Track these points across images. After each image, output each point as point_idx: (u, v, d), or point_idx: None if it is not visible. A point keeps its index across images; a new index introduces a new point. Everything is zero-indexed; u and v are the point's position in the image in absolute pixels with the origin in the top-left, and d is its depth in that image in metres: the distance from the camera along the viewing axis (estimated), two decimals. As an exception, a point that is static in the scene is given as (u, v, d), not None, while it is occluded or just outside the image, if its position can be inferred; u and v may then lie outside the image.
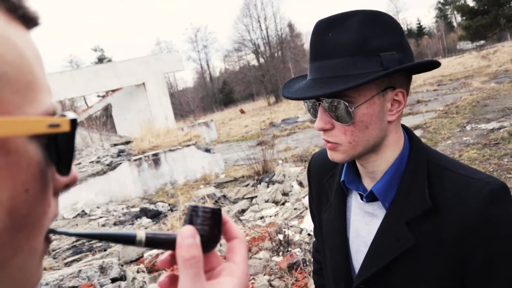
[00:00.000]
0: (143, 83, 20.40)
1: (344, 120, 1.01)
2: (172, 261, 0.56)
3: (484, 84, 19.99)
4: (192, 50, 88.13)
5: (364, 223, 1.18)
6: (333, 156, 1.09)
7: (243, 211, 7.47)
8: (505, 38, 61.33)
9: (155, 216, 8.53)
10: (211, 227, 0.54)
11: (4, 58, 0.36)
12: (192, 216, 0.54)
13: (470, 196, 0.99)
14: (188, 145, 12.91)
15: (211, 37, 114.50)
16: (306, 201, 6.39)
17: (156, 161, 12.13)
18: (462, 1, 42.71)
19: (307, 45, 72.10)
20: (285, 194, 7.74)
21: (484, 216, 0.96)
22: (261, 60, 66.49)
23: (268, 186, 8.65)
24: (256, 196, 8.08)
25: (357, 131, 1.02)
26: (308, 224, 5.38)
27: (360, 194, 1.19)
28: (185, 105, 52.01)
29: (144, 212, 8.78)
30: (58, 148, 0.41)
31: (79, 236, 0.51)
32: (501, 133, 9.31)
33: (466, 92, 18.51)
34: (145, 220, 8.22)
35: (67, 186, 0.46)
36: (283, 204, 7.22)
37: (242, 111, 46.32)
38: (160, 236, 0.53)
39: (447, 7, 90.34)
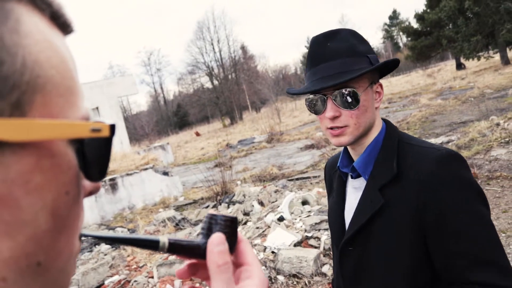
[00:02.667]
0: (97, 108, 20.03)
1: (352, 106, 1.30)
2: (190, 271, 0.58)
3: (431, 100, 20.84)
4: (145, 74, 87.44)
5: (354, 198, 1.43)
6: (340, 140, 1.34)
7: (204, 232, 7.41)
8: (447, 57, 64.39)
9: (114, 242, 8.31)
10: (230, 234, 0.55)
11: (50, 62, 0.37)
12: (211, 224, 0.56)
13: (425, 160, 1.25)
14: (146, 169, 12.72)
15: (165, 60, 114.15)
16: (267, 219, 6.42)
17: (113, 186, 11.86)
18: (407, 23, 44.60)
19: (260, 67, 73.08)
20: (246, 213, 7.74)
21: (434, 174, 1.21)
22: (215, 82, 66.79)
23: (228, 207, 8.62)
24: (217, 217, 8.03)
25: (360, 114, 1.31)
26: (271, 242, 5.41)
27: (350, 174, 1.46)
28: (140, 129, 51.25)
29: (102, 239, 8.53)
30: (93, 153, 0.42)
31: (106, 239, 0.52)
32: (450, 146, 9.73)
33: (416, 109, 19.24)
34: (104, 247, 7.99)
35: (90, 193, 0.46)
36: (245, 223, 7.21)
37: (197, 134, 46.11)
38: (182, 242, 0.54)
39: (393, 28, 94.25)
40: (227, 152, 20.36)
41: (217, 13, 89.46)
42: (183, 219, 8.70)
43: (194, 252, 0.54)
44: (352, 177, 1.45)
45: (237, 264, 0.58)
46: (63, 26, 0.43)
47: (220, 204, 9.07)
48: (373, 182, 1.33)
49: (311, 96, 1.36)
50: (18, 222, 0.35)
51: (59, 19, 0.42)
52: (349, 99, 1.29)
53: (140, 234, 0.63)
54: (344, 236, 1.42)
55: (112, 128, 0.43)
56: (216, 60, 66.57)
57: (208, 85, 69.26)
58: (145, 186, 12.38)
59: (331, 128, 1.34)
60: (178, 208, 10.89)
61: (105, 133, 0.42)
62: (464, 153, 8.80)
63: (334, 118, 1.32)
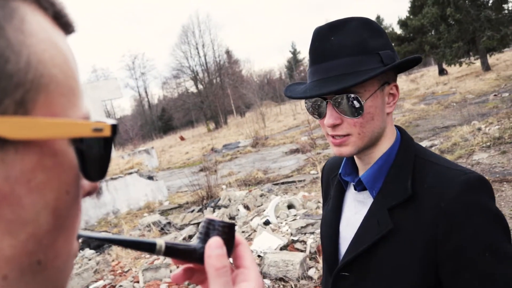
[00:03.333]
0: (80, 111, 19.85)
1: (354, 113, 1.11)
2: (185, 275, 0.59)
3: (415, 106, 21.08)
4: (129, 78, 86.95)
5: (354, 212, 1.26)
6: (342, 150, 1.16)
7: (190, 237, 7.38)
8: (429, 63, 65.21)
9: (99, 247, 8.23)
10: (227, 240, 0.56)
11: (54, 61, 0.38)
12: (208, 229, 0.56)
13: (447, 183, 1.06)
14: (130, 173, 12.62)
15: (149, 64, 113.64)
16: (253, 223, 6.43)
17: (97, 190, 11.75)
18: (390, 29, 45.14)
19: (245, 72, 73.16)
20: (231, 218, 7.74)
21: (458, 202, 1.02)
22: (200, 86, 66.71)
23: (214, 211, 8.60)
24: (202, 222, 8.02)
25: (365, 123, 1.12)
26: (257, 245, 5.41)
27: (354, 186, 1.27)
28: (124, 133, 50.84)
29: (86, 244, 8.44)
30: (94, 153, 0.42)
31: (102, 240, 0.52)
32: (433, 150, 9.84)
33: (399, 114, 19.43)
34: (88, 252, 7.90)
35: (89, 193, 0.46)
36: (231, 228, 7.21)
37: (182, 138, 45.91)
38: (179, 246, 0.55)
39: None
40: (212, 157, 20.33)
41: (201, 17, 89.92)
42: (168, 223, 8.66)
43: (191, 256, 0.55)
44: (355, 189, 1.27)
45: (235, 267, 0.58)
46: (65, 25, 0.44)
47: (206, 209, 9.06)
48: (382, 201, 1.15)
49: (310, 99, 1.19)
50: (20, 221, 0.35)
51: (61, 18, 0.43)
52: (352, 106, 1.10)
53: (137, 237, 0.63)
54: (336, 255, 1.28)
55: (114, 127, 0.43)
56: (201, 65, 66.55)
57: (193, 89, 69.19)
58: (130, 190, 12.28)
59: (333, 136, 1.17)
60: (163, 212, 10.83)
61: (107, 132, 0.42)
62: (447, 157, 8.90)
63: (334, 126, 1.15)
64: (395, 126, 1.25)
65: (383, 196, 1.15)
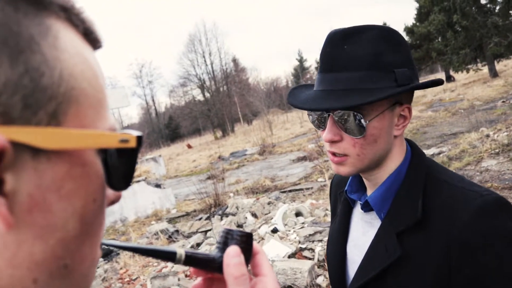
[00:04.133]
0: (88, 120, 19.95)
1: (355, 132, 1.02)
2: (205, 285, 0.60)
3: (422, 112, 21.01)
4: (137, 86, 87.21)
5: (362, 233, 1.19)
6: (340, 169, 1.09)
7: (198, 244, 7.38)
8: (436, 70, 65.02)
9: (107, 254, 8.25)
10: (245, 249, 0.57)
11: (84, 75, 0.40)
12: (227, 239, 0.57)
13: (461, 207, 0.96)
14: (138, 181, 12.65)
15: (156, 73, 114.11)
16: (261, 231, 6.42)
17: (105, 198, 11.78)
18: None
19: (251, 79, 73.27)
20: (239, 226, 7.72)
21: (473, 229, 0.93)
22: (207, 94, 66.75)
23: (222, 219, 8.59)
24: (210, 229, 8.01)
25: (366, 144, 1.03)
26: (265, 253, 5.40)
27: (361, 206, 1.19)
28: (131, 141, 50.95)
29: (94, 252, 8.47)
30: (119, 163, 0.44)
31: (124, 248, 0.54)
32: (441, 157, 9.82)
33: (406, 121, 19.35)
34: (96, 260, 7.94)
35: (112, 202, 0.48)
36: (238, 235, 7.20)
37: (189, 146, 45.98)
38: (199, 255, 0.56)
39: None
40: (219, 164, 20.32)
41: (208, 26, 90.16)
42: (176, 231, 8.67)
43: (210, 265, 0.56)
44: (364, 211, 1.18)
45: (253, 276, 0.60)
46: (94, 41, 0.46)
47: (213, 216, 9.05)
48: (390, 225, 1.06)
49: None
50: (50, 226, 0.37)
51: (90, 35, 0.45)
52: (355, 124, 1.01)
53: (158, 246, 0.65)
54: (343, 277, 1.22)
55: (139, 139, 0.45)
56: (208, 73, 66.65)
57: (200, 97, 69.26)
58: (137, 198, 12.31)
59: (332, 153, 1.09)
60: (171, 220, 10.84)
61: (132, 143, 0.44)
62: (456, 164, 8.89)
63: (333, 142, 1.06)
64: (406, 139, 1.16)
65: (391, 220, 1.06)
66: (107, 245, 0.52)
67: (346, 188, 1.24)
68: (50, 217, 0.37)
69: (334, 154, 1.08)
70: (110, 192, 0.46)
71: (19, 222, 0.35)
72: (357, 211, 1.23)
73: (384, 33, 1.03)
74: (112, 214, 11.79)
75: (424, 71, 47.05)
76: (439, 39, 34.56)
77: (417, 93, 36.08)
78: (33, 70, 0.35)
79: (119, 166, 0.44)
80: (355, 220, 1.24)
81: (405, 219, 1.03)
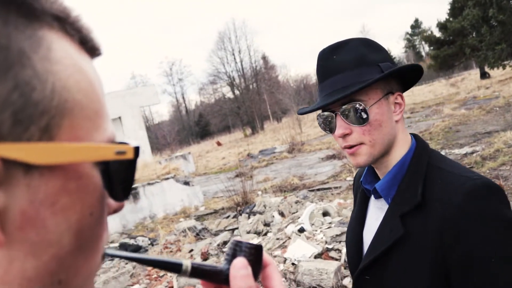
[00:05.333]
0: (119, 117, 20.31)
1: (361, 121, 1.18)
2: None
3: (455, 110, 20.53)
4: (167, 84, 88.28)
5: (375, 219, 1.31)
6: (357, 160, 1.23)
7: (225, 243, 7.41)
8: (471, 66, 63.50)
9: (135, 251, 8.38)
10: (253, 262, 0.56)
11: (78, 86, 0.39)
12: (235, 251, 0.56)
13: (453, 190, 1.08)
14: (167, 178, 12.81)
15: (186, 71, 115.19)
16: (288, 230, 6.39)
17: (134, 195, 11.97)
18: (429, 32, 44.19)
19: (281, 77, 73.20)
20: (266, 224, 7.72)
21: (463, 210, 1.04)
22: (237, 92, 67.14)
23: (249, 217, 8.61)
24: (237, 228, 8.04)
25: (373, 130, 1.19)
26: (292, 253, 5.37)
27: (372, 193, 1.33)
28: (162, 138, 51.77)
29: (123, 247, 8.61)
30: (117, 175, 0.43)
31: (129, 259, 0.53)
32: (474, 157, 9.55)
33: (438, 119, 18.97)
34: (125, 256, 8.06)
35: (115, 211, 0.47)
36: (265, 234, 7.19)
37: (218, 143, 46.32)
38: (205, 267, 0.55)
39: (415, 37, 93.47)
40: (248, 162, 20.40)
41: (238, 24, 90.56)
42: (204, 229, 8.72)
43: (217, 277, 0.55)
44: (374, 197, 1.34)
45: None
46: (91, 50, 0.45)
47: (241, 215, 9.07)
48: (395, 208, 1.19)
49: (321, 113, 1.27)
50: (44, 242, 0.36)
51: (87, 43, 0.44)
52: (359, 115, 1.18)
53: (164, 257, 0.66)
54: (359, 260, 1.32)
55: (136, 150, 0.44)
56: (238, 70, 67.00)
57: (230, 95, 69.72)
58: (166, 195, 12.46)
59: (347, 147, 1.23)
60: (199, 218, 10.93)
61: (130, 155, 0.43)
62: (490, 164, 8.64)
63: (345, 136, 1.21)
64: (411, 134, 1.31)
65: (396, 204, 1.20)
66: (111, 255, 0.52)
67: (361, 179, 1.38)
68: (43, 233, 0.36)
69: (349, 147, 1.22)
70: (112, 202, 0.45)
71: (11, 239, 0.35)
72: (372, 200, 1.37)
73: (363, 40, 1.26)
74: (141, 211, 11.97)
75: (458, 68, 45.89)
76: (474, 35, 33.63)
77: (450, 90, 35.38)
78: (23, 85, 0.34)
79: (118, 177, 0.43)
80: (371, 208, 1.38)
81: (407, 202, 1.16)
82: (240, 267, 0.54)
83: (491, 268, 1.01)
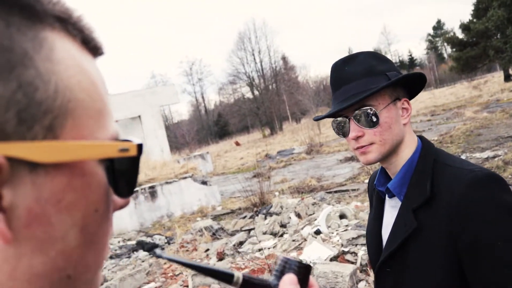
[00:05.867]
0: (139, 116, 20.48)
1: (372, 124, 1.31)
2: None
3: (477, 113, 20.21)
4: (187, 83, 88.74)
5: (390, 217, 1.41)
6: (367, 157, 1.35)
7: (241, 243, 7.42)
8: (494, 68, 62.37)
9: (152, 249, 8.44)
10: (301, 280, 0.57)
11: (81, 86, 0.40)
12: (284, 268, 0.58)
13: (457, 182, 1.20)
14: (185, 178, 12.88)
15: (206, 70, 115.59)
16: (304, 232, 6.36)
17: (152, 193, 12.07)
18: (452, 33, 43.55)
19: (301, 78, 72.99)
20: (283, 225, 7.70)
21: (466, 198, 1.16)
22: (256, 92, 67.18)
23: (265, 218, 8.60)
24: (253, 228, 8.03)
25: (384, 131, 1.31)
26: (307, 255, 5.34)
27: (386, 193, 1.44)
28: (181, 137, 52.06)
29: (140, 245, 8.68)
30: (122, 171, 0.44)
31: (184, 264, 0.55)
32: (495, 161, 9.37)
33: (460, 122, 18.70)
34: (142, 253, 8.13)
35: (120, 207, 0.48)
36: (281, 235, 7.18)
37: (237, 143, 46.40)
38: (255, 280, 0.56)
39: (437, 39, 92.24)
40: (266, 163, 20.38)
41: (258, 24, 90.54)
42: (220, 228, 8.75)
43: None
44: (388, 197, 1.44)
45: None
46: (94, 49, 0.46)
47: (257, 215, 9.06)
48: (408, 204, 1.30)
49: (336, 119, 1.39)
50: (50, 239, 0.37)
51: (89, 43, 0.45)
52: (370, 119, 1.31)
53: (217, 266, 0.72)
54: (379, 255, 1.40)
55: (140, 147, 0.44)
56: (257, 71, 67.09)
57: (249, 95, 69.79)
58: (184, 194, 12.53)
59: (359, 147, 1.35)
60: (216, 217, 10.96)
61: (133, 152, 0.43)
62: (511, 169, 8.45)
63: (358, 138, 1.33)
64: (418, 136, 1.42)
65: (408, 200, 1.31)
66: (169, 259, 0.54)
67: (375, 182, 1.49)
68: (49, 229, 0.37)
69: (361, 147, 1.34)
70: (117, 198, 0.46)
71: (18, 236, 0.36)
72: (387, 200, 1.47)
73: (372, 54, 1.41)
74: (159, 209, 12.06)
75: (481, 70, 45.08)
76: (498, 36, 33.05)
77: (472, 92, 34.83)
78: (26, 85, 0.35)
79: (122, 174, 0.44)
80: (387, 207, 1.47)
81: (418, 198, 1.27)
82: (290, 283, 0.55)
83: (496, 252, 1.11)
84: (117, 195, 0.45)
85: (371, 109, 1.30)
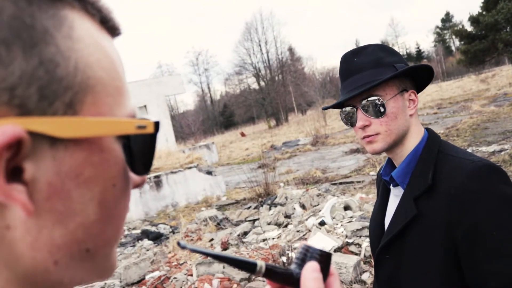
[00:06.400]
0: (145, 106, 20.51)
1: (379, 114, 1.34)
2: None
3: (484, 107, 20.10)
4: (193, 73, 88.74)
5: (394, 206, 1.43)
6: (374, 147, 1.38)
7: (245, 233, 7.44)
8: (503, 62, 61.81)
9: (157, 238, 8.49)
10: (323, 268, 0.56)
11: (100, 64, 0.41)
12: (305, 256, 0.57)
13: (457, 172, 1.23)
14: (190, 168, 12.91)
15: (212, 61, 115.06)
16: (308, 223, 6.38)
17: (157, 183, 12.12)
18: (460, 26, 43.15)
19: (307, 69, 72.68)
20: (287, 216, 7.72)
21: (466, 188, 1.18)
22: (262, 83, 66.94)
23: (270, 209, 8.62)
24: (258, 219, 8.06)
25: (390, 121, 1.34)
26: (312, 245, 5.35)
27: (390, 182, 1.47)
28: (186, 127, 52.08)
29: (145, 234, 8.74)
30: (138, 149, 0.45)
31: (207, 254, 0.55)
32: (502, 155, 9.32)
33: (466, 115, 18.61)
34: (146, 242, 8.18)
35: (137, 186, 0.49)
36: (286, 226, 7.20)
37: (242, 134, 46.41)
38: (278, 269, 0.56)
39: (445, 31, 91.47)
40: (271, 154, 20.39)
41: (265, 15, 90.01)
42: (225, 218, 8.78)
43: (288, 280, 0.56)
44: (392, 186, 1.47)
45: None
46: (112, 29, 0.47)
47: (262, 206, 9.09)
48: (409, 192, 1.33)
49: (344, 109, 1.42)
50: (69, 212, 0.39)
51: (108, 23, 0.46)
52: (376, 108, 1.34)
53: (239, 256, 0.71)
54: (380, 242, 1.43)
55: (157, 125, 0.45)
56: (263, 62, 66.80)
57: (255, 86, 69.59)
58: (189, 184, 12.57)
59: (366, 136, 1.38)
60: (220, 207, 10.99)
61: (150, 129, 0.44)
62: (518, 163, 8.41)
63: (365, 127, 1.37)
64: (425, 128, 1.45)
65: (410, 188, 1.33)
66: (192, 250, 0.54)
67: (381, 172, 1.53)
68: (69, 203, 0.38)
69: (367, 137, 1.37)
70: (134, 176, 0.47)
71: (39, 208, 0.37)
72: (392, 189, 1.49)
73: (381, 46, 1.44)
74: (163, 199, 12.11)
75: (489, 63, 44.66)
76: (508, 29, 32.67)
77: (480, 86, 34.57)
78: (47, 61, 0.36)
79: (139, 152, 0.45)
80: (391, 196, 1.50)
81: (419, 186, 1.30)
82: (313, 270, 0.55)
83: (492, 241, 1.13)
84: (133, 173, 0.46)
85: (378, 99, 1.33)
